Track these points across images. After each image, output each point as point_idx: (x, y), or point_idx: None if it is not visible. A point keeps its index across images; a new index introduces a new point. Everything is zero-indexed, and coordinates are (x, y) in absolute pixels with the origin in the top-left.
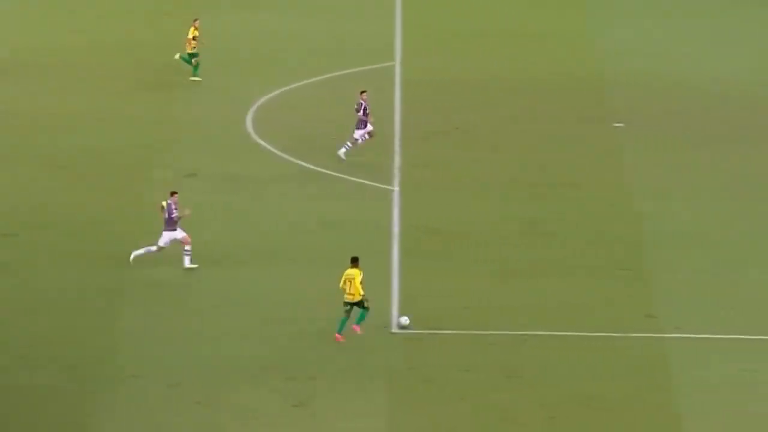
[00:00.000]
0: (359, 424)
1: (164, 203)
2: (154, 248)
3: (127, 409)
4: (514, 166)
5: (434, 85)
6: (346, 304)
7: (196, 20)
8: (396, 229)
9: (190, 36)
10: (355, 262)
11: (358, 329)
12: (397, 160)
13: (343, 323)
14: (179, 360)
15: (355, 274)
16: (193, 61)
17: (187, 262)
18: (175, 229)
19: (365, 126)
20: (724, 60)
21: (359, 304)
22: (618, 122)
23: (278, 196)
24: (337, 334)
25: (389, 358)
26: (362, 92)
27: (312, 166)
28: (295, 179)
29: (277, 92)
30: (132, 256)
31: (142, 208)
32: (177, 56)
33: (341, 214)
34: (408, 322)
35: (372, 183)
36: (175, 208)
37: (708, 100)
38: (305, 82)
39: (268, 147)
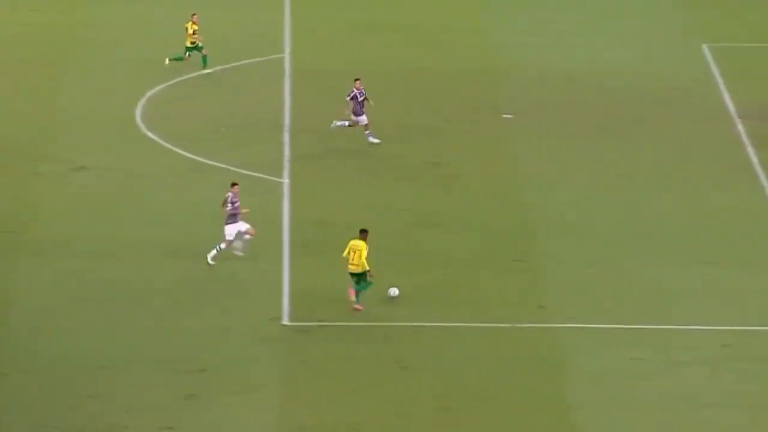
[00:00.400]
0: (251, 416)
1: (227, 195)
2: (223, 245)
3: (18, 403)
4: (405, 158)
5: (325, 77)
6: (351, 275)
7: (194, 15)
8: (287, 221)
9: (191, 31)
10: (363, 233)
11: (359, 306)
12: (287, 152)
13: (357, 294)
14: (70, 354)
15: (362, 246)
16: (203, 51)
17: (240, 247)
18: (236, 221)
19: (362, 113)
20: (613, 52)
21: (363, 275)
22: (507, 113)
23: (169, 189)
24: (355, 301)
25: (281, 350)
26: (356, 80)
27: (202, 159)
28: (186, 172)
29: (165, 85)
30: (210, 259)
31: (28, 201)
32: (167, 62)
33: None
34: (397, 293)
35: (262, 175)
36: (236, 200)
37: (596, 92)
38: (194, 74)
39: (158, 140)
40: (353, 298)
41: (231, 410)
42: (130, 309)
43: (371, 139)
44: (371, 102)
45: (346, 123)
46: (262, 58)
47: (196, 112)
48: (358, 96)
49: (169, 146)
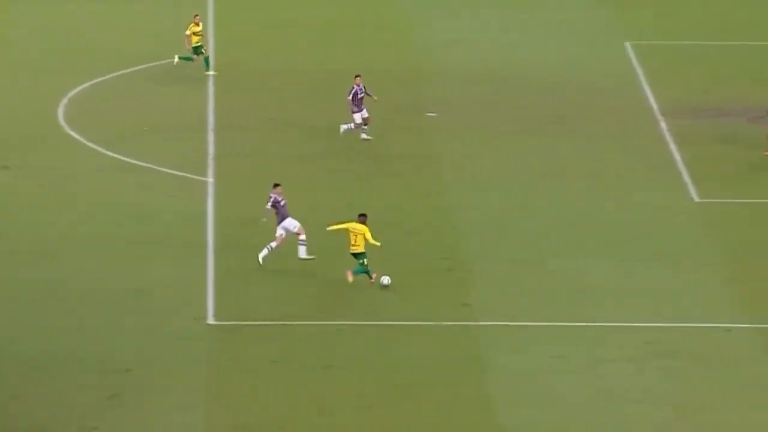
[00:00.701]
0: (175, 416)
1: (271, 196)
2: (274, 244)
3: None
4: (330, 156)
5: (248, 76)
6: (354, 255)
7: (196, 16)
8: (211, 220)
9: (189, 32)
10: (362, 217)
11: (350, 276)
12: (211, 150)
13: (365, 272)
14: None
15: (363, 230)
16: (203, 51)
17: (302, 252)
18: (285, 219)
19: (362, 104)
20: (538, 50)
21: (363, 255)
22: (431, 112)
23: (92, 188)
24: (371, 280)
25: (206, 349)
26: (356, 76)
27: (125, 158)
28: (109, 171)
29: (89, 84)
30: (260, 260)
31: None
32: (176, 60)
33: (156, 205)
34: (389, 281)
35: (186, 174)
36: (281, 200)
37: (520, 90)
38: (118, 73)
39: (81, 139)
40: (351, 278)
41: (155, 410)
42: (53, 308)
43: (363, 136)
44: (375, 97)
45: (352, 125)
46: None
47: (119, 111)
48: (358, 93)
49: (92, 145)
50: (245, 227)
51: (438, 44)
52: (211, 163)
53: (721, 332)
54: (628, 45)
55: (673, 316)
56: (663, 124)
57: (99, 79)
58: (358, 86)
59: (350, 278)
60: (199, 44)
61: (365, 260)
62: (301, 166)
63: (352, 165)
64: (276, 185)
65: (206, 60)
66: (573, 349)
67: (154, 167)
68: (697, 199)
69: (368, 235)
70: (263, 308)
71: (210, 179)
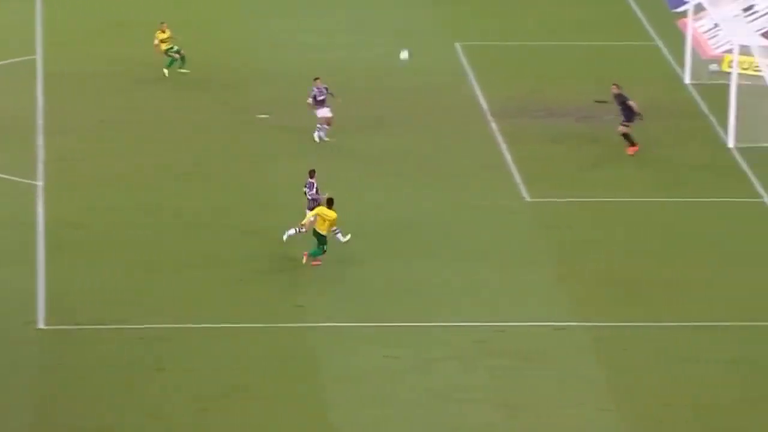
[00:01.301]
0: (5, 421)
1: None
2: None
3: None
4: (164, 158)
5: (77, 78)
6: (316, 233)
7: (163, 23)
8: (41, 223)
9: (157, 41)
10: (330, 202)
11: (305, 255)
12: (40, 154)
13: (313, 256)
14: None
15: (332, 215)
16: (175, 54)
17: (340, 237)
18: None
19: (324, 105)
20: (370, 50)
21: (324, 237)
22: (263, 113)
23: None
24: (309, 257)
25: (36, 354)
26: (315, 79)
27: None
28: None
29: None
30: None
31: None
32: (165, 72)
33: None
34: (407, 55)
35: (14, 178)
36: (315, 188)
37: (353, 89)
38: None
39: None
40: (305, 260)
41: None
42: None
43: (317, 134)
44: (339, 99)
45: (326, 127)
46: (13, 60)
47: None
48: (318, 95)
49: None
50: (75, 230)
51: (269, 45)
52: (40, 166)
53: (550, 330)
54: (458, 46)
55: (503, 316)
56: (494, 125)
57: None
58: (318, 88)
59: (306, 259)
60: (170, 47)
61: (322, 246)
62: (132, 169)
63: (183, 167)
64: (312, 173)
65: (182, 59)
66: (405, 349)
67: None
68: (528, 199)
69: (332, 217)
70: (95, 312)
71: (39, 182)
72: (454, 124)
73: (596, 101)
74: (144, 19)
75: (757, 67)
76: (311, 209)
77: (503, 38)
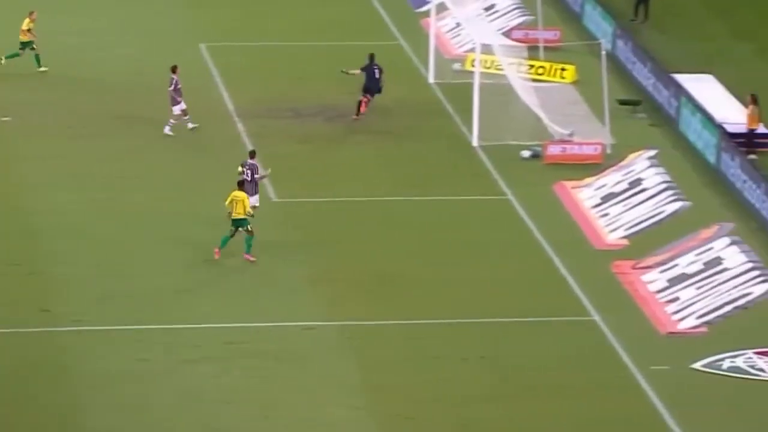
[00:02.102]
0: None
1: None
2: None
3: None
4: None
5: None
6: (233, 222)
7: (32, 13)
8: None
9: (26, 27)
10: (241, 185)
11: (250, 257)
12: None
13: (224, 241)
14: None
15: (244, 197)
16: (34, 48)
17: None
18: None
19: (179, 102)
20: (118, 50)
21: (243, 223)
22: (5, 116)
23: None
24: (216, 249)
25: None
26: (174, 69)
27: None
28: None
29: None
30: None
31: None
32: (3, 60)
33: None
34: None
35: None
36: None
37: (100, 90)
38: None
39: None
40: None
41: None
42: None
43: (167, 129)
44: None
45: (185, 119)
46: None
47: None
48: (178, 83)
49: None
50: None
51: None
52: None
53: (300, 330)
54: (203, 46)
55: (253, 316)
56: (240, 126)
57: None
58: (176, 78)
59: (252, 259)
60: (31, 40)
61: (248, 234)
62: None
63: None
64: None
65: (37, 57)
66: (156, 351)
67: None
68: (275, 199)
69: (247, 202)
70: None
71: None
72: (205, 125)
73: (343, 71)
74: None
75: (499, 65)
76: (251, 193)
77: (250, 39)
